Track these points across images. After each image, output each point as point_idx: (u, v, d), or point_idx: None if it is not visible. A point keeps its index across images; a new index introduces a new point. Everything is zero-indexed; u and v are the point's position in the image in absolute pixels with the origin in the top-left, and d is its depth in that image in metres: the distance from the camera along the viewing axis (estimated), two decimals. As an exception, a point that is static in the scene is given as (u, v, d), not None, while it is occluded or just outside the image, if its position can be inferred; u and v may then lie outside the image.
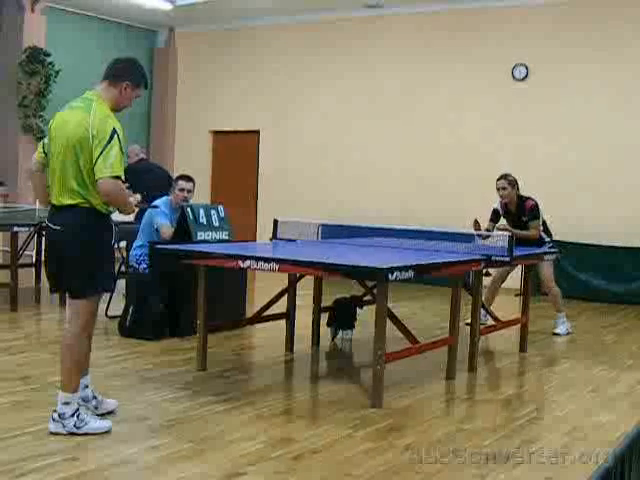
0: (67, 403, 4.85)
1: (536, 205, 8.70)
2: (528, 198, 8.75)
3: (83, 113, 4.80)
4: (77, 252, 4.81)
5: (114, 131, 4.72)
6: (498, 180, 8.76)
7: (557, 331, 8.97)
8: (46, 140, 5.01)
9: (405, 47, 13.64)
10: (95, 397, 5.20)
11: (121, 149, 4.72)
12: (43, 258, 5.04)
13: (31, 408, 5.35)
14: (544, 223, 8.85)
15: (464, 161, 13.01)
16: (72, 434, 4.80)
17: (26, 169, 5.08)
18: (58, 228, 4.82)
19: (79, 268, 4.83)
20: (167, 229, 8.10)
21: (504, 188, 8.69)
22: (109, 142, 4.67)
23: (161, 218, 8.15)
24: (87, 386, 5.16)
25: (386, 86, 13.81)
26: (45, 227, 4.99)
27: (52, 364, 6.53)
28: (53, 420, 4.85)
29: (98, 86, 5.01)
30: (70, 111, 4.90)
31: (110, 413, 5.24)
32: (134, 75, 5.04)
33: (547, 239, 8.82)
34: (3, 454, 4.45)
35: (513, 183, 8.71)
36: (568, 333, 9.00)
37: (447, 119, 13.21)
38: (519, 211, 8.74)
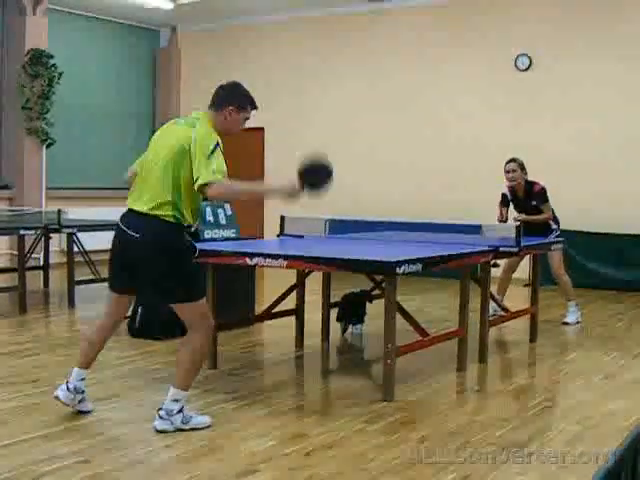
0: (177, 400, 4.93)
1: (544, 188, 8.70)
2: (535, 182, 8.74)
3: (187, 128, 4.88)
4: (157, 262, 4.83)
5: (217, 144, 4.79)
6: (507, 163, 8.73)
7: (567, 320, 8.95)
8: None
9: (407, 40, 13.60)
10: (83, 391, 5.21)
11: (224, 160, 4.79)
12: (110, 257, 5.08)
13: (42, 411, 5.35)
14: (552, 211, 8.84)
15: (468, 153, 12.98)
16: (179, 430, 4.89)
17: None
18: (137, 235, 4.80)
19: (160, 277, 4.87)
20: None
21: (514, 170, 8.66)
22: (213, 152, 4.72)
23: None
24: (84, 379, 5.19)
25: (389, 80, 13.78)
26: (119, 229, 4.94)
27: (62, 366, 6.54)
28: (160, 418, 4.91)
29: (207, 109, 5.12)
30: (174, 126, 5.01)
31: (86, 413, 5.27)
32: (237, 99, 5.16)
33: (554, 226, 8.79)
34: (16, 457, 4.45)
35: (522, 166, 8.70)
36: (578, 322, 8.98)
37: (450, 111, 13.17)
38: (527, 196, 8.72)
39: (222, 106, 5.05)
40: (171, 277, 4.85)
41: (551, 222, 8.78)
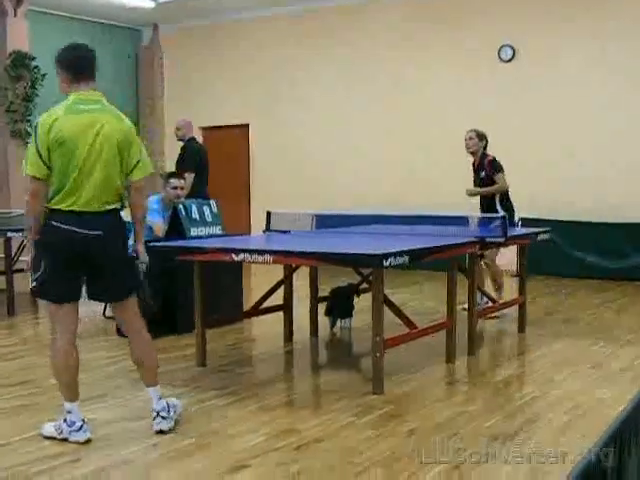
0: (161, 397, 4.95)
1: (495, 159, 8.70)
2: (488, 154, 8.78)
3: (113, 119, 4.72)
4: (123, 252, 4.83)
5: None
6: (470, 131, 8.85)
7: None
8: (43, 152, 4.57)
9: (390, 33, 13.59)
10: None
11: None
12: (56, 267, 4.65)
13: (32, 412, 5.35)
14: (508, 198, 8.75)
15: (451, 145, 12.93)
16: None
17: (31, 192, 4.60)
18: (99, 233, 4.63)
19: (127, 267, 4.85)
20: (160, 226, 8.09)
21: (471, 138, 8.78)
22: (141, 144, 4.86)
23: (154, 216, 8.14)
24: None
25: (373, 73, 13.79)
26: (66, 232, 4.59)
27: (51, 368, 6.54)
28: (163, 419, 4.87)
29: (86, 85, 4.75)
30: (93, 116, 4.65)
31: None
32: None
33: (501, 214, 8.06)
34: (6, 459, 4.45)
35: (482, 136, 8.79)
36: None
37: (434, 104, 13.19)
38: (480, 168, 8.78)
39: (94, 74, 4.81)
40: (133, 267, 4.90)
41: (498, 207, 8.60)
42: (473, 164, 8.90)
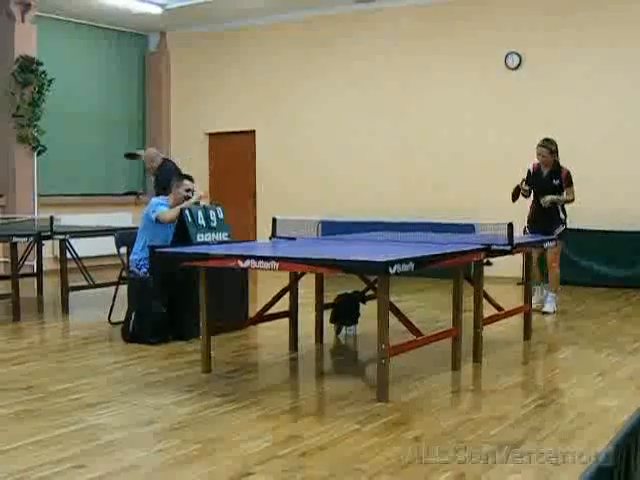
0: None
1: (569, 172, 9.32)
2: (563, 167, 9.34)
3: None
4: None
5: None
6: (542, 147, 9.30)
7: (545, 309, 9.39)
8: None
9: (397, 41, 13.60)
10: None
11: None
12: None
13: (37, 417, 5.34)
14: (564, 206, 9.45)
15: (458, 152, 12.99)
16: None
17: None
18: None
19: None
20: (167, 213, 8.07)
21: (544, 148, 9.27)
22: None
23: (160, 207, 8.14)
24: None
25: (379, 80, 13.79)
26: None
27: (56, 373, 6.55)
28: None
29: None
30: None
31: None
32: None
33: (562, 216, 9.38)
34: (10, 463, 4.44)
35: (555, 146, 9.31)
36: (554, 312, 9.40)
37: (441, 111, 13.19)
38: (552, 174, 9.30)
39: None
40: None
41: (561, 212, 9.34)
42: (536, 171, 9.39)
